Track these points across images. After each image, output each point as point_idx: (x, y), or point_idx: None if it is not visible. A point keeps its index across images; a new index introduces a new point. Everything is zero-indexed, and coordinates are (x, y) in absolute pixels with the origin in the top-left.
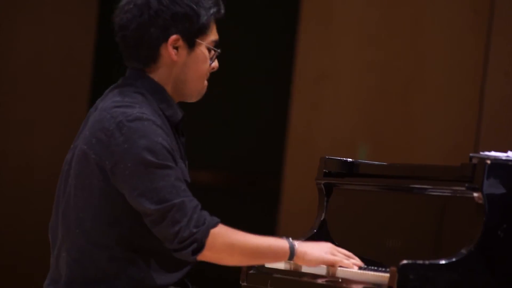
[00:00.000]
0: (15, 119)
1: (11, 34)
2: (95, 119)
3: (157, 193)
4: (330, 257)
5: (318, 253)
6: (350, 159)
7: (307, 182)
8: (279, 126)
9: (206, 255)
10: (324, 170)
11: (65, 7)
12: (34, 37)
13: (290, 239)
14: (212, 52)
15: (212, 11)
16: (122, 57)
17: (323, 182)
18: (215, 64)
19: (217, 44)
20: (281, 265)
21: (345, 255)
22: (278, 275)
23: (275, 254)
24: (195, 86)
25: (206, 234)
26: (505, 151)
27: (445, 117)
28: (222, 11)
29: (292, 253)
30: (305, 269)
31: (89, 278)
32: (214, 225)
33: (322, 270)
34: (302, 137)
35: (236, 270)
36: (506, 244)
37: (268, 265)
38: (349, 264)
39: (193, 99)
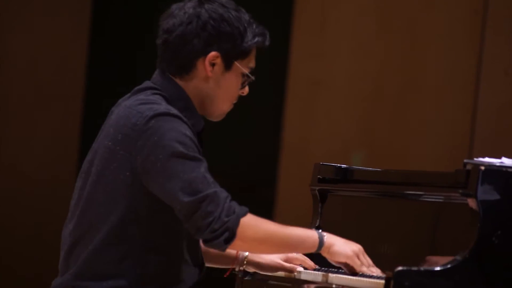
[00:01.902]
0: (10, 124)
1: (4, 42)
2: (119, 116)
3: (189, 184)
4: (353, 258)
5: (343, 249)
6: (344, 165)
7: (302, 191)
8: (273, 135)
9: (238, 244)
10: (318, 176)
11: (58, 14)
12: (27, 44)
13: (320, 230)
14: (246, 77)
15: (257, 39)
16: (157, 60)
17: (317, 188)
18: (246, 89)
19: (252, 71)
20: (278, 273)
21: (368, 263)
22: (273, 282)
23: (304, 244)
24: (221, 106)
25: (236, 223)
26: (499, 157)
27: (440, 124)
28: (267, 43)
29: (321, 243)
30: (300, 276)
31: (99, 273)
32: (244, 214)
33: (317, 276)
34: (296, 145)
35: (231, 278)
36: (501, 251)
37: (263, 272)
38: (366, 272)
39: (214, 118)
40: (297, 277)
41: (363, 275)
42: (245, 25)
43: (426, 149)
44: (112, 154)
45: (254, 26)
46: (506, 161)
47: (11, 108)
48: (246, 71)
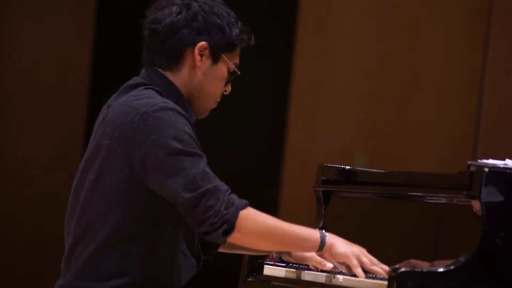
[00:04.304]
0: (13, 124)
1: (8, 41)
2: (115, 114)
3: (190, 180)
4: (351, 258)
5: (343, 249)
6: (348, 167)
7: (305, 191)
8: (277, 136)
9: (236, 237)
10: (322, 178)
11: (62, 14)
12: (31, 43)
13: (324, 230)
14: (231, 74)
15: (244, 35)
16: (141, 55)
17: (321, 189)
18: (229, 88)
19: (237, 68)
20: (280, 273)
21: (371, 261)
22: (277, 283)
23: (305, 243)
24: (206, 101)
25: (235, 215)
26: (503, 159)
27: (443, 124)
28: (251, 42)
29: (323, 244)
30: (303, 277)
31: (102, 272)
32: (243, 207)
33: (321, 277)
34: (300, 146)
35: (235, 278)
36: (504, 252)
37: (266, 273)
38: (373, 270)
39: (198, 115)
40: (300, 278)
41: (366, 276)
42: (233, 20)
43: (429, 149)
44: (110, 152)
45: (240, 24)
46: (510, 163)
47: (14, 109)
48: (231, 66)
